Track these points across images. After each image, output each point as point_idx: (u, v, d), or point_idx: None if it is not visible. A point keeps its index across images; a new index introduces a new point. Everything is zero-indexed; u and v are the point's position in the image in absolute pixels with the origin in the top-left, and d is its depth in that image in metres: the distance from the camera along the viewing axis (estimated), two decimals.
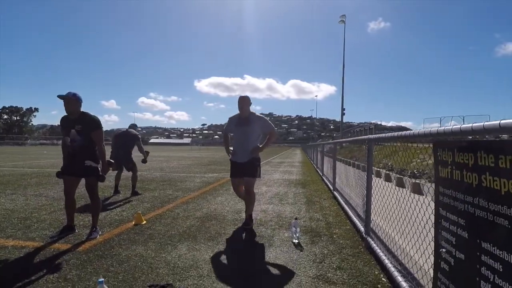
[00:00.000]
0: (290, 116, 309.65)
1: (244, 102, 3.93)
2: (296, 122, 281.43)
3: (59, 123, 3.60)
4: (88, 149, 3.42)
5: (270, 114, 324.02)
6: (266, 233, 3.70)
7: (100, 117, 3.54)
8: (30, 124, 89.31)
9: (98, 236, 3.44)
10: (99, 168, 3.49)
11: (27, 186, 7.03)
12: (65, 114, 3.45)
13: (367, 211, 3.18)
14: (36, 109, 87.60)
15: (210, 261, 2.80)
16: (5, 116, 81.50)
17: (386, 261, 2.54)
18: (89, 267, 2.64)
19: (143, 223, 4.03)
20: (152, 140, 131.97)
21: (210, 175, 10.22)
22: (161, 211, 4.75)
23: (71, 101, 3.33)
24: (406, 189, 6.42)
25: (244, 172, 3.94)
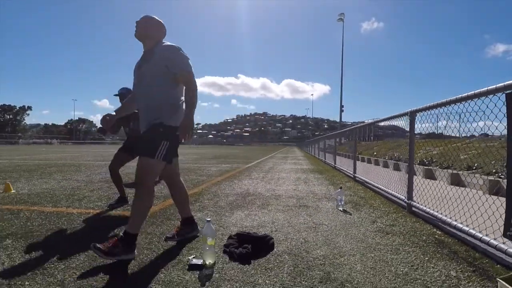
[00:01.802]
0: (284, 115, 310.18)
1: (141, 23, 2.25)
2: (290, 121, 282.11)
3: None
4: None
5: (264, 114, 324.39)
6: (309, 204, 3.93)
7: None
8: (23, 123, 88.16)
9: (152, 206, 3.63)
10: None
11: (52, 173, 7.14)
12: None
13: (410, 179, 3.42)
14: (30, 108, 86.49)
15: (272, 221, 3.02)
16: None
17: (436, 219, 2.79)
18: (163, 226, 2.83)
19: None
20: None
21: (223, 165, 10.41)
22: (197, 190, 4.94)
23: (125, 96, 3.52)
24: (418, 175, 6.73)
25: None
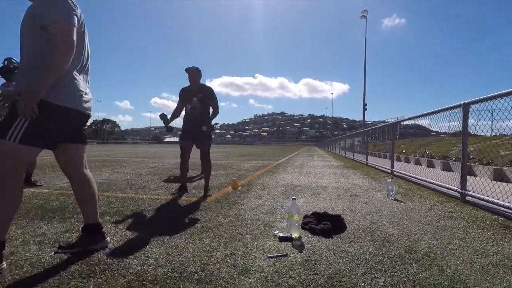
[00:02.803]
0: (302, 115, 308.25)
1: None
2: (309, 121, 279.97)
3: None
4: (205, 116, 3.87)
5: (282, 113, 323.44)
6: (359, 193, 4.08)
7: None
8: None
9: (212, 194, 3.89)
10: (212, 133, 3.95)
11: (100, 167, 7.62)
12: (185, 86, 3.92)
13: (463, 169, 3.51)
14: None
15: (331, 207, 3.21)
16: None
17: (498, 206, 2.88)
18: (232, 209, 3.09)
19: (239, 188, 4.47)
20: (167, 139, 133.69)
21: (253, 162, 10.65)
22: (245, 182, 5.19)
23: (195, 73, 3.79)
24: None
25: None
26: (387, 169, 7.16)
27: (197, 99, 3.81)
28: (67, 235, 2.19)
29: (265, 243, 2.05)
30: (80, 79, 1.73)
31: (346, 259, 1.79)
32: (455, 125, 3.87)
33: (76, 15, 1.64)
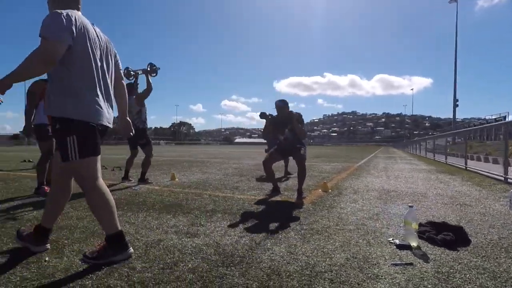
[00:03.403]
0: (376, 114, 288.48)
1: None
2: (383, 120, 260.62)
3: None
4: (297, 137, 4.00)
5: (353, 112, 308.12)
6: (469, 203, 3.68)
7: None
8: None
9: (306, 196, 3.96)
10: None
11: (189, 167, 8.40)
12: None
13: None
14: None
15: (444, 216, 2.97)
16: None
17: None
18: (332, 213, 3.10)
19: (329, 191, 4.45)
20: (237, 140, 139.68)
21: (332, 164, 10.41)
22: (332, 185, 5.14)
23: (282, 108, 3.99)
24: None
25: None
26: (496, 175, 6.25)
27: (288, 130, 3.99)
28: (194, 228, 2.51)
29: (382, 250, 2.03)
30: (91, 93, 1.77)
31: (486, 275, 1.66)
32: None
33: (72, 31, 1.65)
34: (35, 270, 1.67)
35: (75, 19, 1.69)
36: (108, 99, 1.90)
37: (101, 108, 1.81)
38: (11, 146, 36.97)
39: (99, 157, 1.86)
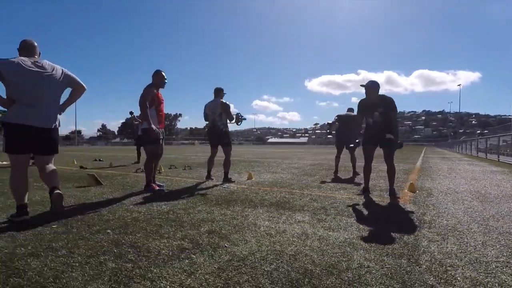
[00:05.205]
0: (415, 111, 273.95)
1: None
2: (423, 118, 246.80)
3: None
4: (388, 125, 4.04)
5: None
6: None
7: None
8: (176, 127, 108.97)
9: (399, 197, 4.02)
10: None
11: (247, 168, 8.70)
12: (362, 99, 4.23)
13: None
14: (180, 115, 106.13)
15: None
16: None
17: None
18: (441, 216, 3.15)
19: (417, 192, 4.48)
20: (269, 140, 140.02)
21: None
22: (415, 187, 5.11)
23: (371, 88, 4.04)
24: None
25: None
26: None
27: (379, 113, 4.04)
28: (325, 223, 2.70)
29: None
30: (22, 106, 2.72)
31: None
32: None
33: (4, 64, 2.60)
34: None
35: (9, 61, 2.64)
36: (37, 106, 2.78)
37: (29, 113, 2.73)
38: (65, 146, 40.30)
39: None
